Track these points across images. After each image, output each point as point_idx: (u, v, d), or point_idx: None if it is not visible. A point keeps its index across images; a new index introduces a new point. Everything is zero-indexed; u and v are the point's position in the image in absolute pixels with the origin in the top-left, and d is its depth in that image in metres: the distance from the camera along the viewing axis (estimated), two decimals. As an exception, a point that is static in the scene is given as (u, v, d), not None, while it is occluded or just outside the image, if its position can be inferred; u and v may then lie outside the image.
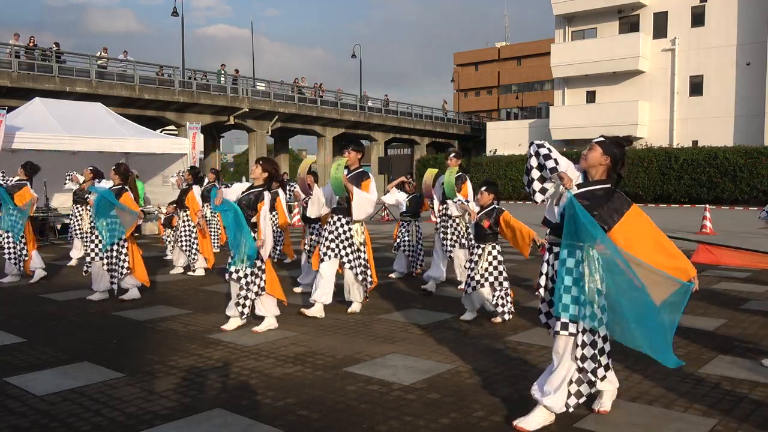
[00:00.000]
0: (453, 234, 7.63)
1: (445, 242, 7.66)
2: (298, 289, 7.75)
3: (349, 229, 6.32)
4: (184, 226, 9.31)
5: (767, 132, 31.06)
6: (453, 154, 7.70)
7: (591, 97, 36.98)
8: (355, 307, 6.48)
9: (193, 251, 9.23)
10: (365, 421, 3.58)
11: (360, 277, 6.35)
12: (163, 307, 6.85)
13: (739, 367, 4.55)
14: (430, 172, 8.01)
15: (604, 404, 3.63)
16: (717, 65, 33.07)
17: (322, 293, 6.32)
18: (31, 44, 25.33)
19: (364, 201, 6.20)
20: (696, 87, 33.99)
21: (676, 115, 34.43)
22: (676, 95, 34.40)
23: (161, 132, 23.67)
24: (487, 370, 4.49)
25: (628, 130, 34.26)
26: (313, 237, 7.78)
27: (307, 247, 7.91)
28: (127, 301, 7.17)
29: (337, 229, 6.34)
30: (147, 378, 4.38)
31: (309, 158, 6.82)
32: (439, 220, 7.75)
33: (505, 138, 41.13)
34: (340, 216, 6.34)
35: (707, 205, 17.26)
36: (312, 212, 6.54)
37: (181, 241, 9.31)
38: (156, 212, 15.76)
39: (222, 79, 32.54)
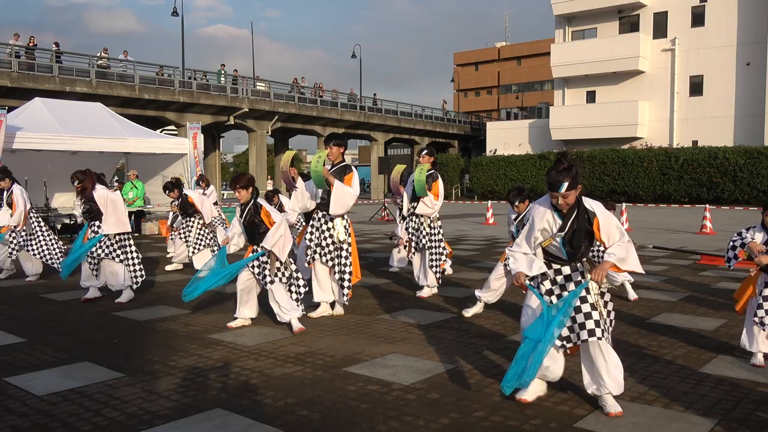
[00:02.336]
0: (421, 233, 7.35)
1: (415, 240, 7.42)
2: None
3: (331, 227, 6.24)
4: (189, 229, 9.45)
5: (767, 132, 31.07)
6: (425, 151, 7.46)
7: (591, 97, 37.00)
8: (339, 310, 6.41)
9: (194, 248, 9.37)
10: (365, 421, 3.59)
11: (337, 276, 6.27)
12: (163, 307, 6.85)
13: (739, 367, 4.55)
14: (398, 169, 7.90)
15: (613, 407, 3.62)
16: (717, 65, 33.09)
17: (323, 292, 6.33)
18: (31, 44, 25.32)
19: (344, 194, 6.10)
20: (696, 87, 34.01)
21: (676, 115, 34.45)
22: (676, 95, 34.41)
23: (161, 132, 23.69)
24: (487, 370, 4.49)
25: (628, 130, 34.34)
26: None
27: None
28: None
29: (321, 226, 6.29)
30: (147, 378, 4.38)
31: (290, 151, 6.65)
32: (407, 218, 7.54)
33: (505, 138, 41.14)
34: (324, 213, 6.27)
35: (707, 205, 17.27)
36: (296, 206, 6.46)
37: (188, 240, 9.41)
38: (156, 213, 15.79)
39: (222, 79, 32.55)
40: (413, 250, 7.52)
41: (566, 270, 3.80)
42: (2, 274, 8.96)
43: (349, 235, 6.34)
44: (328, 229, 6.25)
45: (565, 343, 3.74)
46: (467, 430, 3.47)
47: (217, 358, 4.88)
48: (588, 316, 3.65)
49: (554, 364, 3.81)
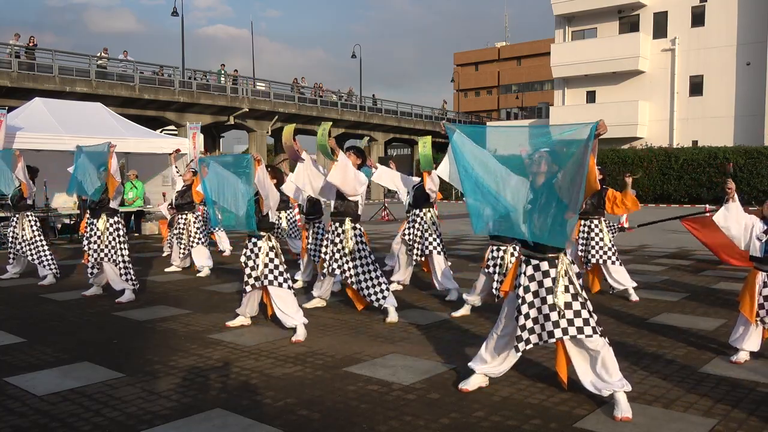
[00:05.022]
0: (426, 240, 7.25)
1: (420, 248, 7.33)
2: (297, 285, 7.82)
3: (341, 233, 6.19)
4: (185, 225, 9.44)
5: (767, 132, 31.05)
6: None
7: (591, 97, 36.97)
8: (392, 317, 6.07)
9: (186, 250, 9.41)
10: (365, 421, 3.59)
11: (364, 292, 6.14)
12: (163, 307, 6.85)
13: (739, 367, 4.55)
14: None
15: (624, 411, 3.61)
16: (717, 65, 33.06)
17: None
18: (31, 44, 25.29)
19: (347, 167, 5.90)
20: (696, 87, 33.98)
21: (676, 115, 34.42)
22: (676, 95, 34.38)
23: (161, 132, 23.64)
24: (487, 370, 4.49)
25: (628, 130, 34.29)
26: (318, 234, 7.69)
27: (311, 246, 7.79)
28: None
29: (335, 239, 6.25)
30: (147, 378, 4.38)
31: (290, 125, 6.46)
32: (408, 225, 7.46)
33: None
34: (337, 225, 6.25)
35: (707, 206, 17.25)
36: (298, 180, 6.25)
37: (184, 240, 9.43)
38: (155, 212, 15.78)
39: (222, 79, 32.54)
40: (415, 259, 7.49)
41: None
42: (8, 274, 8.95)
43: (364, 243, 6.25)
44: (341, 241, 6.21)
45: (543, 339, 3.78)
46: (467, 430, 3.47)
47: (217, 358, 4.88)
48: (578, 313, 3.68)
49: (502, 365, 4.06)
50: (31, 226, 8.62)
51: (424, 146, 7.15)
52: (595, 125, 3.37)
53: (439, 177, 6.79)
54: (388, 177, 7.29)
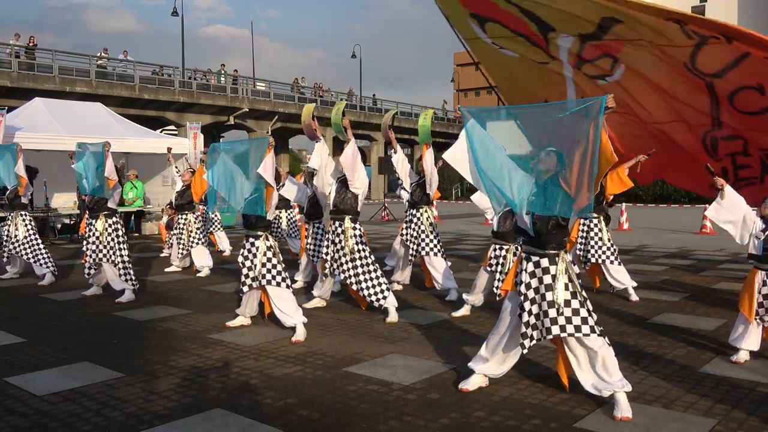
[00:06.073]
0: (422, 241, 7.21)
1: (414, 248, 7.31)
2: (297, 285, 7.82)
3: (341, 232, 6.18)
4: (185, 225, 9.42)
5: (767, 132, 31.06)
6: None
7: (591, 97, 36.98)
8: (392, 317, 6.10)
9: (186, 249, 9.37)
10: (365, 421, 3.59)
11: (364, 292, 6.14)
12: (163, 307, 6.85)
13: (739, 367, 4.55)
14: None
15: (624, 410, 3.60)
16: (717, 65, 33.06)
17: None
18: (31, 44, 25.30)
19: (356, 150, 5.99)
20: (696, 87, 33.98)
21: (676, 115, 34.41)
22: (677, 95, 34.37)
23: (161, 132, 23.65)
24: (487, 370, 4.49)
25: (628, 130, 34.29)
26: (317, 234, 7.68)
27: (310, 247, 7.77)
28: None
29: (335, 238, 6.25)
30: (147, 378, 4.38)
31: (309, 105, 6.50)
32: (406, 225, 7.41)
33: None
34: (337, 225, 6.25)
35: (707, 205, 17.22)
36: (314, 160, 6.32)
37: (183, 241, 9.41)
38: (156, 213, 15.80)
39: (222, 79, 32.58)
40: (411, 258, 7.49)
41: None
42: (9, 273, 8.93)
43: (364, 243, 6.24)
44: (341, 241, 6.20)
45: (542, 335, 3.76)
46: (467, 430, 3.47)
47: (217, 358, 4.88)
48: (576, 312, 3.68)
49: (502, 365, 4.08)
50: (26, 226, 8.54)
51: (425, 118, 7.03)
52: (604, 99, 3.36)
53: (444, 161, 6.76)
54: (403, 165, 7.26)
